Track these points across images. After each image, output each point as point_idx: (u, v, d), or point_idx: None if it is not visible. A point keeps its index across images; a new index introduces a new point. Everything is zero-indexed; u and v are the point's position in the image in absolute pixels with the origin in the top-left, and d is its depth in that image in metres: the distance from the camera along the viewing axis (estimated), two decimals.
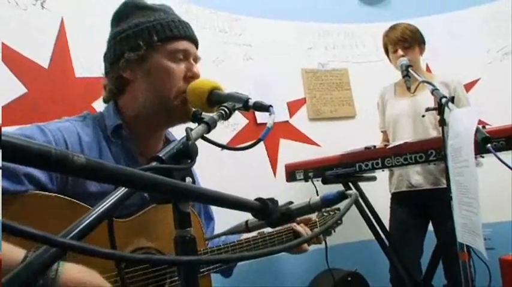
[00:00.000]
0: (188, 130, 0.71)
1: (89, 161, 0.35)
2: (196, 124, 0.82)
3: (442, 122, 1.39)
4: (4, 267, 0.74)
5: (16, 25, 1.88)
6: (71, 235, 0.45)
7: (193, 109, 1.03)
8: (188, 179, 0.65)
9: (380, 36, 2.54)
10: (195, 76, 1.08)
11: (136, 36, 1.06)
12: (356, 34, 3.26)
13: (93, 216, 0.49)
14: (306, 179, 2.13)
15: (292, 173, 2.18)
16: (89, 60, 2.02)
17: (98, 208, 0.50)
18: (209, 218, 1.34)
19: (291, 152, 2.80)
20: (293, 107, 2.97)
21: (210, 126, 0.79)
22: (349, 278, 2.56)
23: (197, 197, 0.51)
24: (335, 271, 2.54)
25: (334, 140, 2.92)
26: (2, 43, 1.82)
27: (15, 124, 1.73)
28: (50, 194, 0.92)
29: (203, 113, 0.89)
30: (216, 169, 2.19)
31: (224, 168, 2.37)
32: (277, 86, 2.90)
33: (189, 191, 0.49)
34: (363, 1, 3.31)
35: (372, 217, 2.13)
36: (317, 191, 1.98)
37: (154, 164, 0.61)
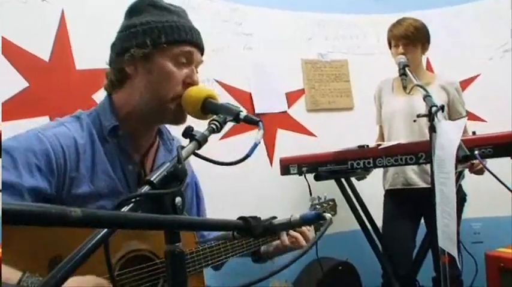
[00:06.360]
0: (180, 150, 0.76)
1: (85, 213, 0.40)
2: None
3: (431, 129, 1.43)
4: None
5: (16, 18, 1.87)
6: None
7: (190, 115, 1.08)
8: (178, 199, 0.70)
9: (381, 27, 2.50)
10: (193, 84, 1.10)
11: (145, 33, 1.07)
12: (357, 25, 3.20)
13: (93, 241, 0.54)
14: (299, 173, 2.14)
15: (286, 167, 2.18)
16: (90, 52, 2.02)
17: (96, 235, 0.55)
18: (198, 197, 1.41)
19: (288, 142, 2.82)
20: (292, 97, 2.96)
21: (201, 143, 0.83)
22: (340, 267, 2.59)
23: (183, 227, 0.55)
24: (325, 259, 2.56)
25: (330, 132, 2.94)
26: (2, 37, 1.82)
27: (18, 118, 1.76)
28: None
29: (194, 127, 0.92)
30: (215, 156, 2.22)
31: (223, 156, 2.40)
32: (276, 76, 2.90)
33: (175, 223, 0.54)
34: None
35: (362, 212, 2.18)
36: (309, 187, 2.00)
37: (146, 188, 0.66)
